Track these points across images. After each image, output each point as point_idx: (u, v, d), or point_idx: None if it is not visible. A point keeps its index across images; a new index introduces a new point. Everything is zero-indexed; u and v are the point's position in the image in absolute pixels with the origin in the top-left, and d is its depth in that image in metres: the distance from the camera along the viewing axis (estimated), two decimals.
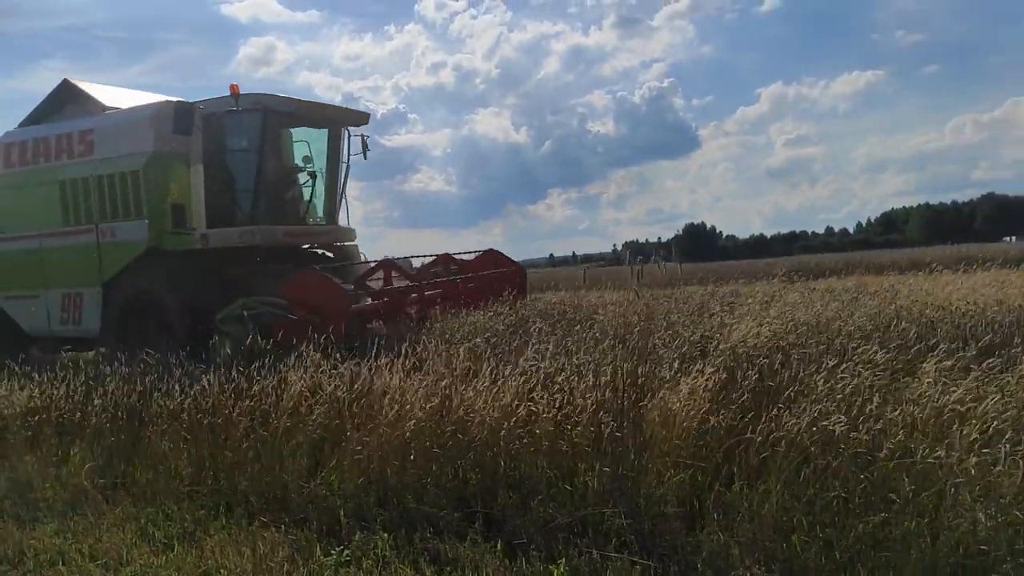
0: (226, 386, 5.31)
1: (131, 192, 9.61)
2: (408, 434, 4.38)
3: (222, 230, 9.48)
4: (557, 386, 4.47)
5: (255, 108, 9.47)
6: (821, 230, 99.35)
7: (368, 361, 5.38)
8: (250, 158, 9.80)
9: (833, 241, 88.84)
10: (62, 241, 10.32)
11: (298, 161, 10.91)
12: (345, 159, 10.84)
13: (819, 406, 3.68)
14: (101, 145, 10.02)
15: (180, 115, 9.26)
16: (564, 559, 3.46)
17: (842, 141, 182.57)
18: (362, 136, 10.80)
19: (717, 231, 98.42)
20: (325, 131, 10.70)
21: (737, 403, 3.89)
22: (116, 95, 11.19)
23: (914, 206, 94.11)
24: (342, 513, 4.28)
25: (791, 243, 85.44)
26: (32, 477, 5.42)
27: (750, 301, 7.37)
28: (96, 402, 5.71)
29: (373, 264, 10.17)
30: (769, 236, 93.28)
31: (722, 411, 3.84)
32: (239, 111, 9.35)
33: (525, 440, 4.17)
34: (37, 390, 6.22)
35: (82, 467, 5.27)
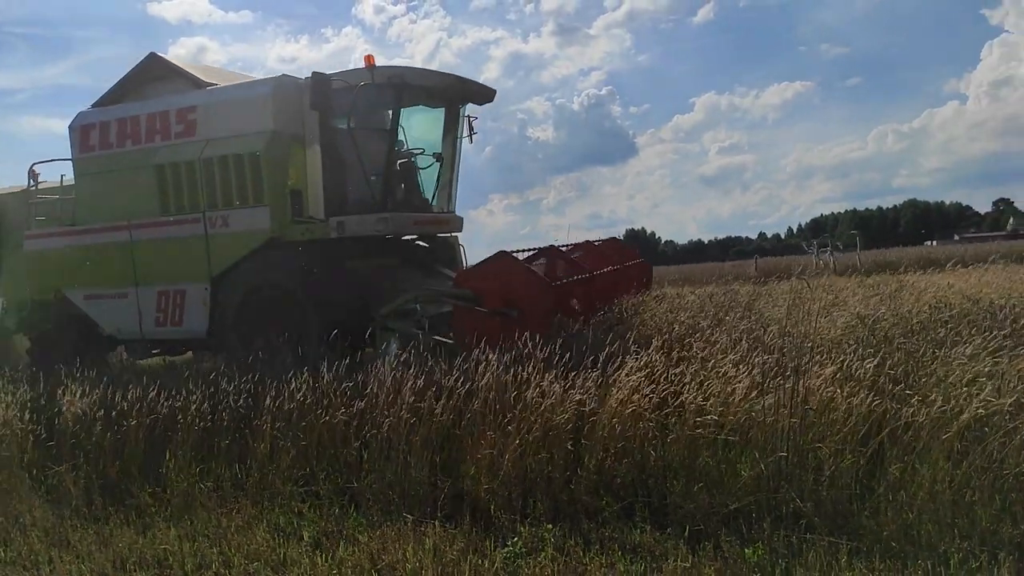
0: (340, 385, 5.26)
1: (249, 176, 8.51)
2: (555, 427, 4.45)
3: (359, 217, 8.39)
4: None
5: (392, 82, 8.33)
6: (754, 235, 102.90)
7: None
8: (383, 138, 8.76)
9: (767, 246, 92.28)
10: (159, 232, 9.12)
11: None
12: (461, 139, 9.79)
13: (968, 389, 3.95)
14: (207, 124, 8.86)
15: (318, 88, 8.06)
16: (760, 542, 3.60)
17: (772, 149, 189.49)
18: (468, 117, 9.76)
19: (656, 236, 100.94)
20: (442, 109, 9.58)
21: (887, 387, 4.12)
22: (207, 72, 9.98)
23: (842, 212, 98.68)
24: (492, 507, 4.33)
25: (727, 248, 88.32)
26: (126, 482, 5.24)
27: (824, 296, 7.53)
28: (203, 405, 5.51)
29: (534, 251, 8.68)
30: (706, 241, 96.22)
31: (874, 395, 4.06)
32: (374, 85, 8.15)
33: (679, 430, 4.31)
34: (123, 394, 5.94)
35: (187, 469, 5.12)
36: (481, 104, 9.71)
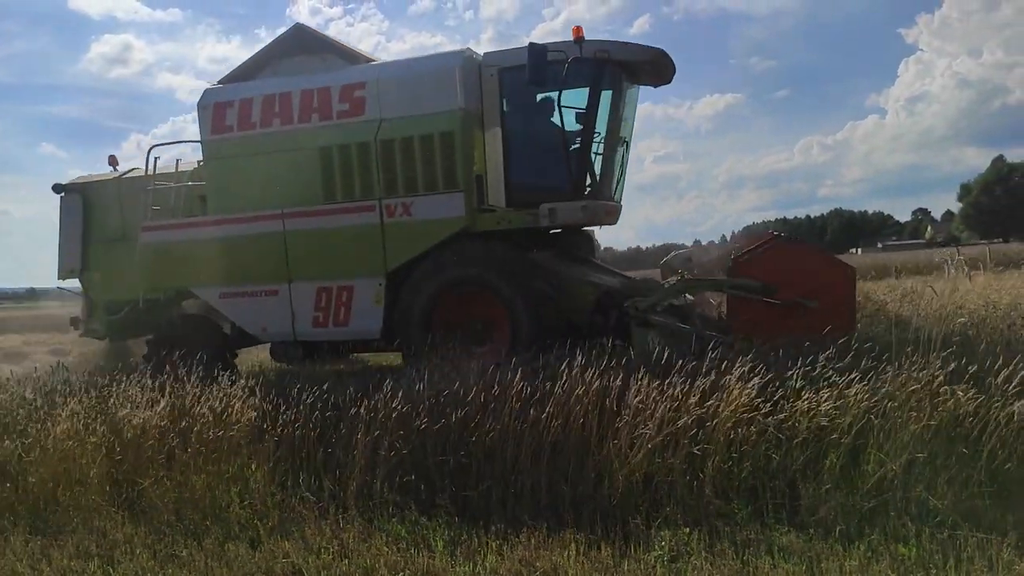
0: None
1: (439, 159, 7.67)
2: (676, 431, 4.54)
3: (568, 205, 7.73)
4: None
5: (598, 56, 7.58)
6: (690, 242, 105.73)
7: None
8: (584, 119, 7.88)
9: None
10: (321, 222, 8.17)
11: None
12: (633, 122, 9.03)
13: None
14: (381, 102, 7.95)
15: (537, 61, 7.13)
16: (911, 540, 3.79)
17: (705, 159, 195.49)
18: None
19: (596, 242, 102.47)
20: (636, 88, 8.77)
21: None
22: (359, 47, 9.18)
23: (772, 220, 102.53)
24: (621, 512, 4.39)
25: (664, 255, 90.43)
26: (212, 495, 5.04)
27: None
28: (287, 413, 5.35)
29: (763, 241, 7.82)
30: (644, 248, 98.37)
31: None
32: (582, 59, 7.41)
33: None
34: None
35: (278, 480, 4.98)
36: (661, 85, 9.05)
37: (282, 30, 8.95)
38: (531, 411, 4.94)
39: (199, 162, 9.25)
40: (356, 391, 5.53)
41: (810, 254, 6.93)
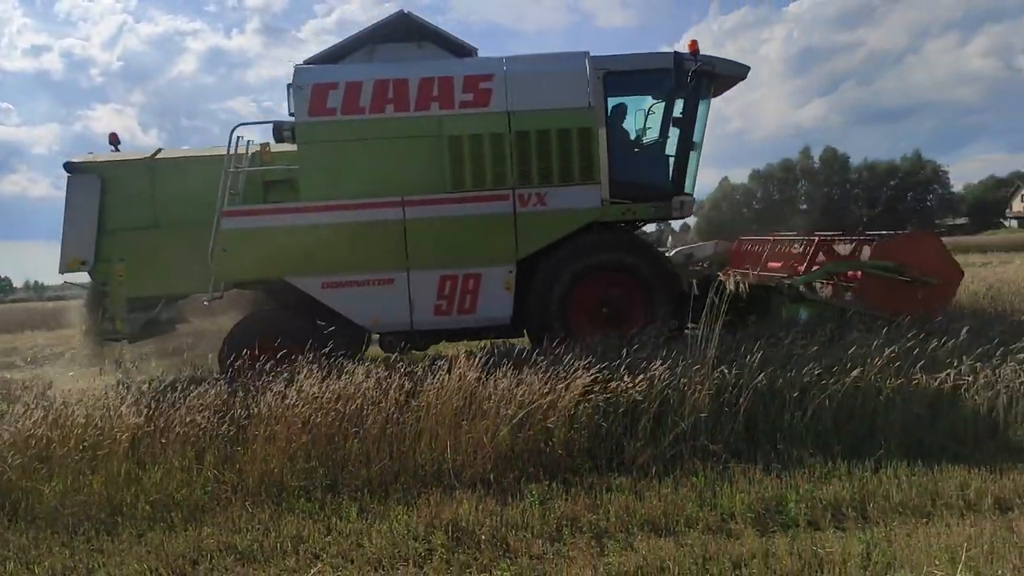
0: None
1: (576, 152, 8.26)
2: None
3: (684, 199, 8.87)
4: None
5: (703, 69, 8.44)
6: None
7: None
8: (685, 124, 8.82)
9: None
10: (447, 210, 8.25)
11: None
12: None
13: None
14: (510, 95, 8.26)
15: (680, 70, 8.10)
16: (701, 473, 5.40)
17: None
18: None
19: None
20: (708, 101, 9.45)
21: None
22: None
23: None
24: (494, 475, 5.55)
25: None
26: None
27: None
28: None
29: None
30: None
31: None
32: (696, 71, 8.30)
33: None
34: None
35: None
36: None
37: None
38: (412, 401, 5.97)
39: (262, 145, 8.85)
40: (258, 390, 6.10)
41: (935, 245, 8.51)
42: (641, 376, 6.09)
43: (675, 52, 8.36)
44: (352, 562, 4.35)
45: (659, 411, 5.95)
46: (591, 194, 8.42)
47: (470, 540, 4.54)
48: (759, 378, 5.94)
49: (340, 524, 4.90)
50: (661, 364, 6.14)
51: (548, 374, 6.07)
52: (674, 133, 9.06)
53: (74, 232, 8.67)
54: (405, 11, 8.72)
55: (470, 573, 4.08)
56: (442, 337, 9.08)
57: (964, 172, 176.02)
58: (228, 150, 8.40)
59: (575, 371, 6.08)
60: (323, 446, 5.74)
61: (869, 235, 9.22)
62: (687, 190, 9.27)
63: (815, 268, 8.56)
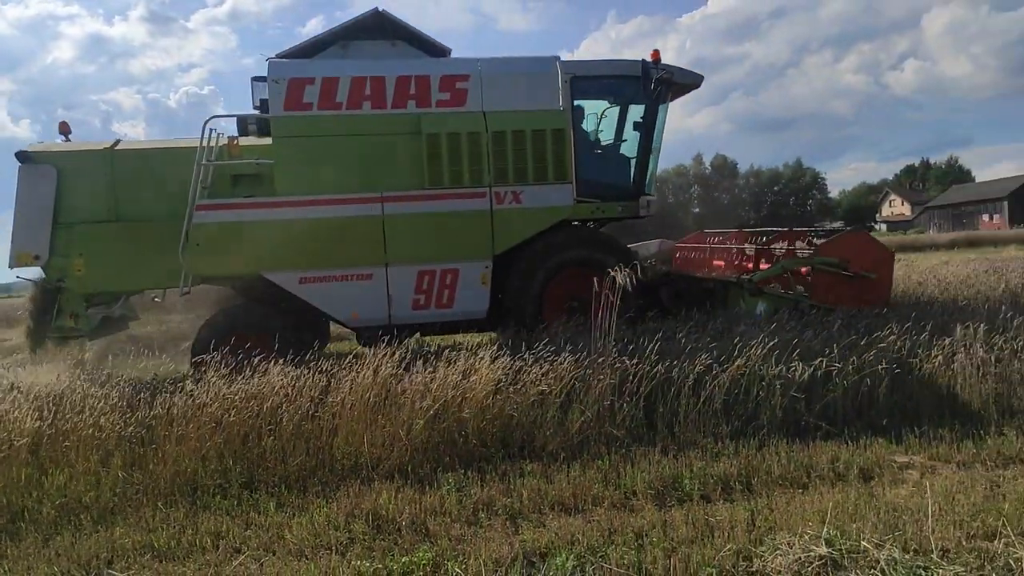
0: None
1: (550, 152, 8.61)
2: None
3: (649, 199, 9.45)
4: None
5: (664, 77, 9.01)
6: None
7: None
8: (646, 128, 9.35)
9: None
10: (426, 206, 8.40)
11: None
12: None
13: None
14: (485, 95, 8.57)
15: (647, 75, 8.72)
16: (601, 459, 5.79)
17: None
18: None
19: None
20: (666, 106, 9.90)
21: None
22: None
23: None
24: (411, 465, 5.74)
25: None
26: None
27: None
28: None
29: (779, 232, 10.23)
30: None
31: None
32: (654, 79, 8.90)
33: None
34: None
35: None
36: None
37: None
38: (327, 398, 6.07)
39: (230, 139, 8.65)
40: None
41: (871, 242, 9.26)
42: (548, 368, 6.43)
43: (643, 61, 9.10)
44: (274, 553, 4.44)
45: (566, 401, 6.31)
46: (564, 193, 8.85)
47: (391, 527, 4.72)
48: (657, 368, 6.40)
49: (259, 519, 4.96)
50: (568, 356, 6.50)
51: (462, 368, 6.30)
52: (633, 136, 9.67)
53: (26, 225, 8.26)
54: (380, 9, 8.89)
55: (392, 556, 4.25)
56: (418, 331, 9.12)
57: (840, 179, 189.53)
58: (201, 142, 8.20)
59: (487, 365, 6.34)
60: (237, 445, 5.75)
61: (797, 231, 10.21)
62: (647, 191, 9.79)
63: (766, 266, 9.42)
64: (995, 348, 6.63)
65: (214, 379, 6.16)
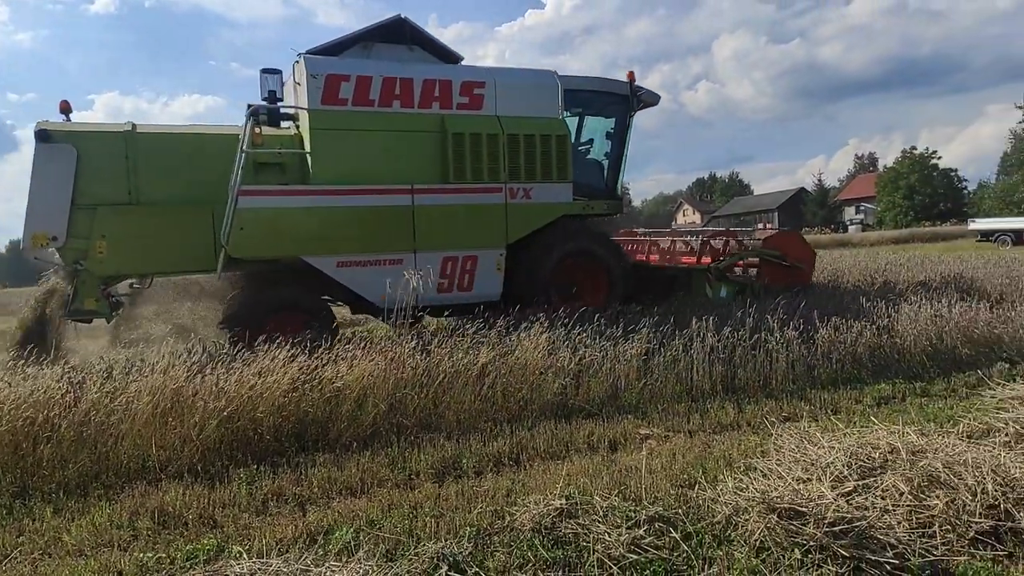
0: None
1: (555, 155, 9.92)
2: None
3: (626, 197, 10.21)
4: None
5: (636, 94, 11.03)
6: None
7: None
8: (618, 137, 11.42)
9: None
10: (451, 199, 9.49)
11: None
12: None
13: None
14: (499, 101, 9.75)
15: (634, 95, 11.21)
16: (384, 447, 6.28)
17: None
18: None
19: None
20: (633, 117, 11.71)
21: None
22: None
23: None
24: (201, 465, 5.86)
25: None
26: None
27: None
28: None
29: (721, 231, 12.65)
30: None
31: None
32: (632, 97, 11.08)
33: None
34: None
35: None
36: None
37: None
38: (112, 403, 6.01)
39: (253, 128, 8.83)
40: None
41: (800, 239, 12.31)
42: (344, 364, 6.83)
43: (629, 82, 11.25)
44: (50, 555, 4.45)
45: (360, 395, 6.74)
46: (565, 191, 10.22)
47: (177, 522, 4.88)
48: (445, 362, 7.02)
49: (34, 525, 4.89)
50: (362, 355, 6.94)
51: (259, 367, 6.51)
52: (605, 144, 11.79)
53: (43, 205, 8.17)
54: (402, 16, 9.94)
55: (176, 547, 4.45)
56: (440, 312, 10.05)
57: (644, 189, 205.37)
58: (244, 131, 8.61)
59: (283, 364, 6.60)
60: (7, 455, 5.56)
61: (733, 231, 12.92)
62: (618, 192, 11.75)
63: (708, 260, 11.40)
64: (723, 338, 7.99)
65: None
